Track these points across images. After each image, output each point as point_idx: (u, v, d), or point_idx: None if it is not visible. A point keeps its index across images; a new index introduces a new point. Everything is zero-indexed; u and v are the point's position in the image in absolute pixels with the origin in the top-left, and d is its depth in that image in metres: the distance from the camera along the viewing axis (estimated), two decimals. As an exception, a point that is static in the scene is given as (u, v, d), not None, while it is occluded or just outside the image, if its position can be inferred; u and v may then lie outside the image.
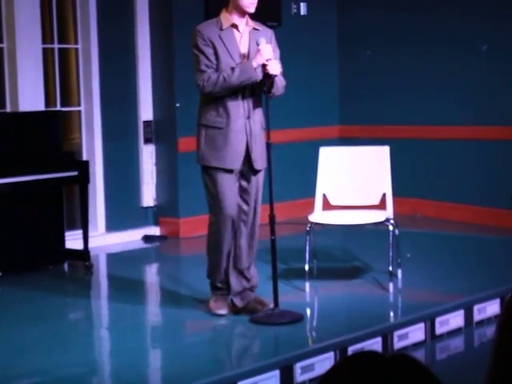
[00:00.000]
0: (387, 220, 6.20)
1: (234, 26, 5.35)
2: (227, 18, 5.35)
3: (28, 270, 6.77)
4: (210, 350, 4.88)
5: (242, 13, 5.34)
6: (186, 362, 4.74)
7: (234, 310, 5.45)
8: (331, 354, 4.82)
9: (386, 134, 8.48)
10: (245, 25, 5.37)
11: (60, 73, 7.85)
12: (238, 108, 5.28)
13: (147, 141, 8.17)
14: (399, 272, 6.32)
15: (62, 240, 7.14)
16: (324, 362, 4.72)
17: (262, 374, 4.51)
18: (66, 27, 7.98)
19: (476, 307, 5.71)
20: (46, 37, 7.72)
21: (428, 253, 7.22)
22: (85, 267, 6.89)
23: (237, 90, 5.23)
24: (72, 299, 6.16)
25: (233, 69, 5.20)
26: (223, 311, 5.38)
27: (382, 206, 6.39)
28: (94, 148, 7.90)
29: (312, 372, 4.69)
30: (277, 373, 4.58)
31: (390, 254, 6.18)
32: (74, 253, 7.07)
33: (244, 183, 5.39)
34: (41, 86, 7.52)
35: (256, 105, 5.35)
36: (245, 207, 5.41)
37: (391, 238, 6.18)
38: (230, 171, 5.30)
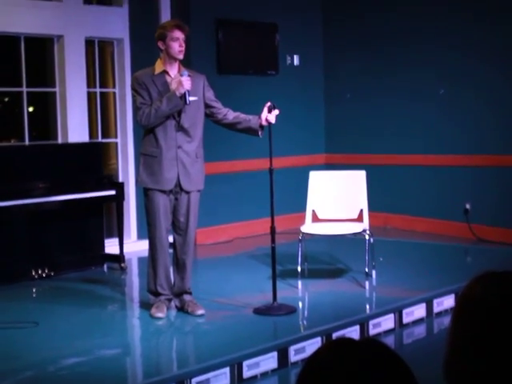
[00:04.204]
0: (364, 231, 6.21)
1: (166, 72, 5.19)
2: (160, 65, 5.20)
3: (74, 270, 6.80)
4: (221, 335, 4.85)
5: (174, 60, 5.17)
6: (202, 345, 4.76)
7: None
8: (319, 339, 4.83)
9: (363, 161, 8.51)
10: (176, 71, 5.21)
11: (101, 111, 7.89)
12: (170, 140, 5.12)
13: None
14: (374, 273, 6.33)
15: (102, 246, 7.15)
16: (313, 346, 4.71)
17: (263, 355, 4.53)
18: (106, 75, 8.03)
19: (435, 301, 5.72)
20: (90, 82, 7.77)
21: (397, 257, 7.20)
22: (120, 268, 6.91)
23: (169, 126, 5.11)
24: (110, 293, 6.15)
25: (161, 100, 5.05)
26: (161, 314, 5.21)
27: (359, 219, 6.40)
28: (128, 172, 7.92)
29: (303, 353, 4.69)
30: (275, 354, 4.60)
31: (366, 258, 6.20)
32: (111, 256, 7.06)
33: (176, 202, 5.24)
34: (85, 122, 7.56)
35: (190, 138, 5.19)
36: (177, 222, 5.26)
37: (367, 245, 6.20)
38: (164, 192, 5.18)
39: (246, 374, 4.43)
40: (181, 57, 5.18)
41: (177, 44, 5.12)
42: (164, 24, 5.40)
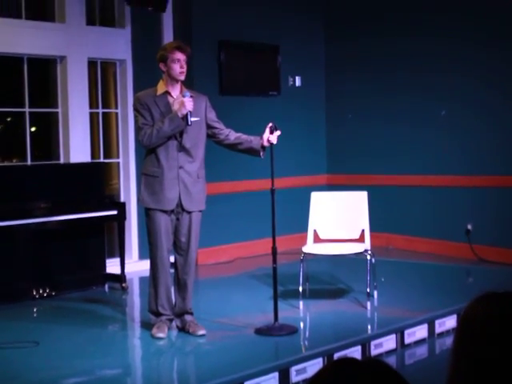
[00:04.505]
0: (365, 251, 6.20)
1: (168, 92, 5.21)
2: (162, 86, 5.21)
3: (76, 289, 6.79)
4: (222, 355, 4.83)
5: (175, 81, 5.18)
6: (203, 366, 4.73)
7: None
8: (320, 360, 4.81)
9: (365, 182, 8.52)
10: (178, 92, 5.23)
11: (103, 132, 7.92)
12: (172, 160, 5.13)
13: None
14: (375, 293, 6.31)
15: (103, 265, 7.14)
16: (314, 366, 4.69)
17: (264, 376, 4.50)
18: (108, 95, 8.06)
19: (437, 322, 5.70)
20: (92, 103, 7.80)
21: (399, 278, 7.19)
22: (121, 288, 6.90)
23: (170, 147, 5.11)
24: (111, 313, 6.13)
25: (162, 121, 5.06)
26: (162, 334, 5.18)
27: (361, 239, 6.39)
28: (129, 192, 7.93)
29: (305, 374, 4.68)
30: (276, 374, 4.57)
31: (368, 278, 6.18)
32: (112, 276, 7.05)
33: (177, 222, 5.23)
34: (88, 143, 7.58)
35: (191, 158, 5.19)
36: (178, 242, 5.25)
37: (369, 266, 6.18)
38: (166, 212, 5.18)
39: (248, 394, 4.41)
40: (182, 78, 5.19)
41: (178, 65, 5.14)
42: (165, 46, 5.42)
